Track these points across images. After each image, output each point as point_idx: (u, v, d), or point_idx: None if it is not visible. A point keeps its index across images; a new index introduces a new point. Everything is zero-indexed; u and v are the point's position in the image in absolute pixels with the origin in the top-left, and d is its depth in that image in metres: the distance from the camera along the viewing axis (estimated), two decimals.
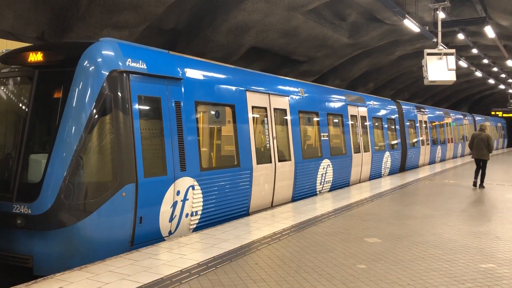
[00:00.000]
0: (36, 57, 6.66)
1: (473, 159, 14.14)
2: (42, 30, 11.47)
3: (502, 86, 41.61)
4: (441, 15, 12.40)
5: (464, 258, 6.35)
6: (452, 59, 10.62)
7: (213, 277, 5.50)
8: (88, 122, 6.30)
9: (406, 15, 14.56)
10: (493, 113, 42.95)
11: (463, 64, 25.64)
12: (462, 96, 47.82)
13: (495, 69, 28.77)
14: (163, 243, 6.88)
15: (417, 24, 15.81)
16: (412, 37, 20.99)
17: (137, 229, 6.73)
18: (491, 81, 35.64)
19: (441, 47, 10.88)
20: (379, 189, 13.14)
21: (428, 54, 10.76)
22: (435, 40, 18.91)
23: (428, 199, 11.62)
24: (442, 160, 24.62)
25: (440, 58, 10.61)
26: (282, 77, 11.72)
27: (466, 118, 30.24)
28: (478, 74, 30.71)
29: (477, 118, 34.96)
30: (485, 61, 25.23)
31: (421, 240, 7.35)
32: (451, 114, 26.85)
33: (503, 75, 32.71)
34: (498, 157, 29.87)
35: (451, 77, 10.54)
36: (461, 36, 18.23)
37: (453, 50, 10.98)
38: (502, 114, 43.13)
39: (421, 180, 15.64)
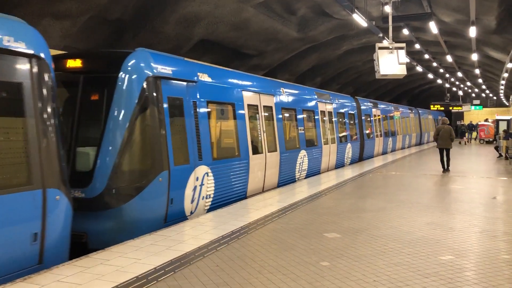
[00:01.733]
0: (81, 64, 7.81)
1: (436, 149, 16.27)
2: None
3: (439, 81, 43.54)
4: (391, 10, 12.57)
5: (424, 250, 6.40)
6: (402, 53, 10.79)
7: (226, 252, 5.68)
8: (130, 119, 7.47)
9: (355, 10, 14.70)
10: (432, 106, 44.86)
11: (406, 58, 26.38)
12: (403, 90, 49.65)
13: (434, 64, 29.97)
14: (187, 221, 8.08)
15: (365, 19, 16.03)
16: (359, 32, 21.34)
17: (169, 209, 8.04)
18: (430, 75, 37.16)
19: (388, 41, 11.01)
20: (336, 180, 13.94)
21: (380, 48, 10.87)
22: (381, 35, 19.34)
23: (380, 191, 11.80)
24: (393, 150, 26.60)
25: (391, 52, 10.75)
26: (269, 78, 13.46)
27: (412, 112, 32.54)
28: (419, 69, 31.87)
29: (421, 112, 37.04)
30: (426, 56, 26.18)
31: (380, 234, 7.36)
32: (399, 109, 28.83)
33: (441, 70, 34.18)
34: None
35: (402, 70, 10.71)
36: (405, 32, 18.73)
37: (404, 44, 11.17)
38: (452, 108, 45.03)
39: (372, 171, 15.97)
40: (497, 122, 45.65)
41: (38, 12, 10.72)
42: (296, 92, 14.35)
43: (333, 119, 17.04)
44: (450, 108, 46.12)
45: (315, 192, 11.33)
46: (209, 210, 9.23)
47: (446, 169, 16.26)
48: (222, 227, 7.70)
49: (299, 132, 13.90)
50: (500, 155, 24.24)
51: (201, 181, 8.85)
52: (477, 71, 28.29)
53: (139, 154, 7.62)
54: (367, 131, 21.32)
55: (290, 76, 23.53)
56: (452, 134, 16.07)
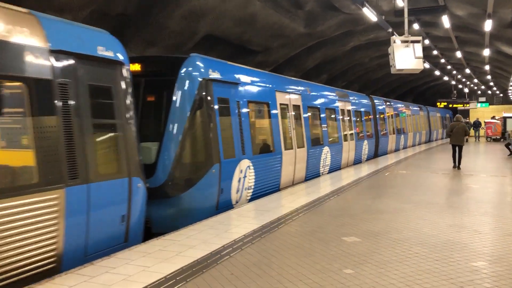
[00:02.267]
0: (141, 68, 8.61)
1: (445, 147, 17.18)
2: None
3: (446, 78, 42.96)
4: (404, 3, 12.09)
5: (453, 256, 5.95)
6: (419, 47, 10.31)
7: (240, 258, 5.22)
8: (187, 118, 8.33)
9: (365, 3, 14.22)
10: (438, 104, 44.30)
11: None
12: (408, 87, 49.07)
13: (442, 60, 29.43)
14: (233, 210, 8.86)
15: (375, 13, 15.54)
16: (367, 27, 20.84)
17: (220, 198, 8.91)
18: (437, 72, 36.63)
19: (407, 35, 10.55)
20: (355, 175, 14.32)
21: (395, 41, 10.39)
22: (390, 30, 18.82)
23: (394, 191, 11.35)
24: (404, 147, 27.31)
25: (407, 46, 10.27)
26: (295, 79, 14.49)
27: (421, 110, 33.36)
28: (426, 65, 31.32)
29: (429, 109, 37.82)
30: (435, 52, 25.65)
31: (401, 237, 6.91)
32: (410, 107, 29.66)
33: (448, 67, 33.62)
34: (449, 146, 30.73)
35: (418, 65, 10.23)
36: (416, 26, 18.22)
37: (420, 38, 10.68)
38: (453, 106, 44.56)
39: (385, 169, 15.54)
40: (504, 119, 45.16)
41: (37, 6, 10.27)
42: (320, 91, 15.28)
43: (352, 117, 17.88)
44: (455, 105, 45.61)
45: (336, 189, 11.37)
46: (249, 201, 10.15)
47: (457, 167, 16.37)
48: (234, 230, 7.26)
49: (323, 129, 14.74)
50: (511, 153, 23.80)
51: (244, 174, 9.77)
52: (486, 67, 27.74)
53: (196, 148, 8.52)
54: (381, 129, 22.07)
55: (296, 73, 23.06)
56: (466, 131, 16.34)
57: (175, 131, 8.23)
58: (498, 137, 42.65)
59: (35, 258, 5.18)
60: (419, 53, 10.00)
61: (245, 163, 9.68)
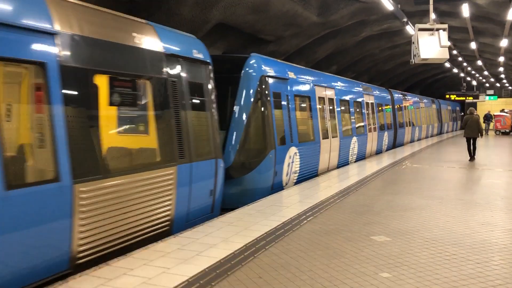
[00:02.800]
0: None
1: (457, 139, 18.10)
2: None
3: (455, 70, 42.26)
4: None
5: (494, 258, 5.53)
6: (444, 35, 9.80)
7: (265, 259, 4.74)
8: (250, 109, 9.50)
9: None
10: (447, 96, 43.63)
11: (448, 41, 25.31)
12: (417, 80, 48.39)
13: (454, 51, 28.79)
14: (284, 191, 10.01)
15: (391, 1, 15.02)
16: (381, 17, 20.25)
17: (275, 179, 10.09)
18: (447, 64, 35.97)
19: (432, 23, 10.02)
20: (377, 165, 14.99)
21: (420, 29, 9.88)
22: (405, 19, 18.29)
23: (415, 186, 10.92)
24: (419, 139, 28.73)
25: (432, 34, 9.76)
26: (330, 74, 15.91)
27: (434, 103, 35.14)
28: None
29: (441, 102, 39.36)
30: (448, 43, 24.96)
31: (433, 237, 6.49)
32: (423, 100, 31.15)
33: (460, 58, 32.96)
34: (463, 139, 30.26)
35: (444, 54, 9.73)
36: (433, 16, 17.62)
37: (446, 25, 10.17)
38: (466, 99, 44.12)
39: (402, 161, 15.13)
40: None
41: None
42: (348, 85, 16.52)
43: (375, 110, 19.15)
44: (463, 98, 44.94)
45: (356, 181, 11.31)
46: (295, 183, 11.31)
47: (472, 157, 16.59)
48: (254, 227, 6.86)
49: (352, 121, 15.93)
50: None
51: (292, 159, 10.90)
52: (501, 58, 27.08)
53: (257, 135, 9.75)
54: (400, 121, 23.37)
55: (306, 64, 22.53)
56: (479, 124, 16.63)
57: (239, 121, 9.46)
58: (507, 130, 42.05)
59: (159, 220, 6.47)
60: (445, 41, 9.50)
61: (293, 150, 10.91)
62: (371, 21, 20.79)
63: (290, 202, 8.17)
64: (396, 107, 22.68)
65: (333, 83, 14.72)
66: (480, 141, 27.95)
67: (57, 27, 5.04)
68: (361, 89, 17.92)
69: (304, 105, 12.32)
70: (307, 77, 12.64)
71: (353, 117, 16.07)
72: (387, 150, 21.27)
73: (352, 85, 16.98)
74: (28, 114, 5.10)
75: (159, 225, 6.49)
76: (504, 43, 19.43)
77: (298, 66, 12.83)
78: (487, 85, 58.59)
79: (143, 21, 6.74)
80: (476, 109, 51.23)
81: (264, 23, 16.01)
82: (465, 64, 37.45)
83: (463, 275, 4.97)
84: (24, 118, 5.04)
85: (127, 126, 7.28)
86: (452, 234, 6.66)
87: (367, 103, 18.20)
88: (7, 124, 4.69)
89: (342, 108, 15.13)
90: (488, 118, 37.52)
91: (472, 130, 16.54)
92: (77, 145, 5.08)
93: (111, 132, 6.61)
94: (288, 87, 11.10)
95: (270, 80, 10.18)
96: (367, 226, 7.09)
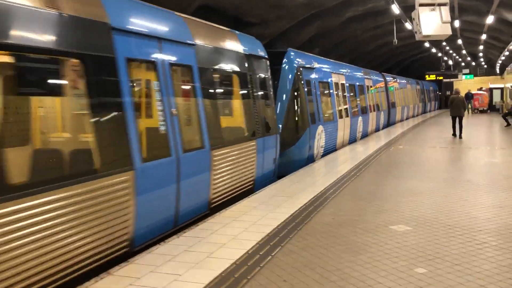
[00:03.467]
0: None
1: (450, 116, 18.44)
2: None
3: (434, 50, 42.29)
4: None
5: None
6: (446, 10, 9.34)
7: (284, 259, 4.11)
8: (290, 95, 11.30)
9: None
10: (427, 76, 43.71)
11: (409, 26, 25.08)
12: (396, 60, 48.34)
13: None
14: (315, 162, 11.83)
15: None
16: None
17: (309, 152, 11.98)
18: (427, 44, 35.89)
19: None
20: (376, 145, 16.02)
21: (421, 5, 9.40)
22: None
23: (415, 169, 10.57)
24: (407, 118, 31.19)
25: (433, 10, 9.29)
26: (340, 62, 18.48)
27: (418, 85, 37.58)
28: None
29: (424, 84, 41.73)
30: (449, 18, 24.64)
31: (454, 223, 6.10)
32: (410, 82, 33.67)
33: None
34: (445, 119, 30.27)
35: (446, 30, 9.29)
36: None
37: (447, 0, 9.72)
38: (443, 79, 44.67)
39: (396, 142, 14.84)
40: (491, 90, 44.87)
41: None
42: (354, 71, 18.72)
43: (373, 92, 21.14)
44: (444, 78, 45.16)
45: (355, 165, 10.62)
46: (321, 156, 13.18)
47: (459, 136, 17.54)
48: (261, 222, 6.34)
49: (357, 102, 18.02)
50: (509, 124, 23.40)
51: (320, 136, 12.82)
52: (483, 36, 26.96)
53: (296, 116, 11.53)
54: (392, 102, 25.68)
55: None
56: (464, 103, 17.94)
57: (283, 104, 11.25)
58: (485, 108, 42.43)
59: (249, 178, 8.55)
60: (447, 17, 9.05)
61: (320, 128, 12.83)
62: (355, 1, 20.31)
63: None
64: (388, 89, 24.77)
65: (342, 70, 16.77)
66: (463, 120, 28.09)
67: (195, 40, 7.18)
68: (362, 74, 19.90)
69: (325, 89, 14.20)
70: (326, 66, 14.79)
71: (358, 99, 18.12)
72: (383, 128, 23.43)
73: (356, 71, 19.14)
74: (192, 103, 7.07)
75: (249, 183, 8.61)
76: (490, 19, 19.18)
77: (319, 57, 15.04)
78: (463, 64, 59.04)
79: (229, 29, 8.97)
80: (453, 88, 51.93)
81: (250, 5, 15.35)
82: (444, 43, 37.44)
83: (503, 266, 4.56)
84: (190, 105, 7.11)
85: (228, 110, 9.03)
86: (473, 219, 6.28)
87: (368, 87, 20.07)
88: (184, 111, 6.96)
89: (350, 91, 17.17)
90: (469, 97, 37.69)
91: (458, 109, 17.43)
92: (211, 125, 7.23)
93: (224, 115, 8.46)
94: (315, 75, 13.14)
95: (303, 70, 12.12)
96: (381, 214, 6.65)
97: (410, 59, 52.37)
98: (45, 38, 4.35)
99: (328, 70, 14.71)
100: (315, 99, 12.66)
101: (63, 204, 4.27)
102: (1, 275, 3.67)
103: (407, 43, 36.93)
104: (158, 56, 6.16)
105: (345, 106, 15.95)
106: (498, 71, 52.86)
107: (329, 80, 14.51)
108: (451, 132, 18.35)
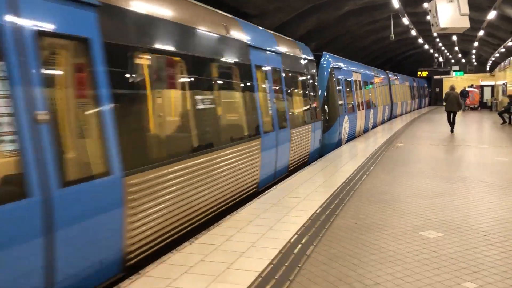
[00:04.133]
0: None
1: (444, 112, 19.45)
2: None
3: (426, 46, 42.08)
4: None
5: None
6: (465, 2, 8.89)
7: (315, 271, 3.56)
8: (326, 90, 13.81)
9: None
10: (419, 73, 43.53)
11: (405, 21, 24.70)
12: (389, 56, 48.10)
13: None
14: (343, 146, 14.36)
15: None
16: None
17: (338, 137, 14.39)
18: (420, 40, 35.60)
19: None
20: (386, 135, 17.02)
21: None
22: None
23: (424, 168, 10.16)
24: (406, 113, 34.22)
25: (451, 1, 8.84)
26: (357, 62, 21.18)
27: (415, 82, 40.69)
28: (413, 33, 30.21)
29: (420, 81, 44.54)
30: (428, 17, 24.36)
31: (488, 229, 5.67)
32: (408, 79, 36.84)
33: (435, 34, 32.51)
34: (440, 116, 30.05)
35: (464, 23, 8.84)
36: None
37: None
38: (438, 76, 45.03)
39: (397, 138, 14.50)
40: (481, 88, 44.90)
41: None
42: (367, 70, 21.50)
43: (380, 88, 23.85)
44: (438, 75, 45.04)
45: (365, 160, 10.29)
46: (346, 142, 15.46)
47: (450, 130, 18.20)
48: (278, 226, 5.84)
49: (369, 97, 20.59)
50: (504, 122, 23.21)
51: (346, 124, 15.17)
52: (481, 33, 26.72)
53: (330, 107, 13.82)
54: (393, 97, 28.24)
55: None
56: (459, 99, 18.52)
57: (321, 96, 13.58)
58: (476, 105, 42.45)
59: (305, 153, 11.10)
60: (465, 9, 8.61)
61: (346, 118, 15.20)
62: None
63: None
64: (391, 85, 27.46)
65: (359, 69, 19.32)
66: (458, 117, 27.97)
67: (281, 49, 9.79)
68: (372, 72, 22.60)
69: (348, 86, 16.39)
70: (348, 66, 17.17)
71: (370, 94, 20.83)
72: (388, 120, 26.37)
73: (368, 70, 21.94)
74: (282, 96, 9.77)
75: (306, 156, 11.19)
76: (491, 15, 18.87)
77: (342, 58, 17.38)
78: (453, 61, 59.06)
79: (295, 41, 11.80)
80: (442, 85, 51.80)
81: None
82: (437, 39, 37.20)
83: None
84: (286, 97, 9.95)
85: (298, 101, 11.11)
86: (506, 224, 5.86)
87: (376, 83, 22.78)
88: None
89: (365, 88, 19.74)
90: (464, 94, 37.59)
91: (452, 105, 18.10)
92: (290, 111, 10.01)
93: (292, 105, 10.51)
94: (341, 74, 15.37)
95: (334, 70, 14.47)
96: (404, 218, 6.20)
97: (402, 55, 52.19)
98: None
99: (349, 69, 17.03)
100: (342, 93, 15.07)
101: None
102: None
103: (400, 39, 36.62)
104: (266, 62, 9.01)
105: (361, 100, 18.39)
106: (488, 68, 52.94)
107: (350, 78, 16.85)
108: (449, 128, 18.66)
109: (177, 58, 5.76)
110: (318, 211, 6.55)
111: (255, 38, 8.45)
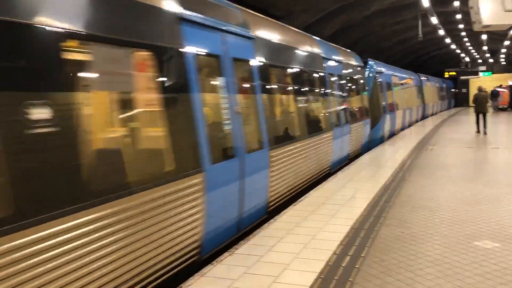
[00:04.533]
0: None
1: (465, 114, 21.59)
2: None
3: (453, 46, 41.15)
4: None
5: None
6: None
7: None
8: (372, 91, 15.82)
9: None
10: (446, 74, 42.61)
11: (434, 20, 24.13)
12: (412, 57, 47.26)
13: (461, 25, 27.53)
14: (389, 140, 16.40)
15: None
16: None
17: (382, 134, 16.40)
18: (448, 40, 34.82)
19: None
20: (416, 139, 17.20)
21: None
22: None
23: (462, 172, 9.70)
24: (436, 113, 35.80)
25: None
26: (394, 66, 22.57)
27: (444, 83, 41.95)
28: (441, 32, 29.53)
29: (448, 83, 45.54)
30: (458, 16, 23.78)
31: None
32: (437, 81, 38.06)
33: (463, 33, 31.79)
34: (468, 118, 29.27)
35: (509, 20, 8.38)
36: None
37: None
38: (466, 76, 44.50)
39: (431, 140, 14.07)
40: (511, 88, 43.60)
41: None
42: (403, 73, 23.12)
43: (414, 90, 25.31)
44: (467, 76, 44.04)
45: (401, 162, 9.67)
46: (388, 137, 17.37)
47: (483, 132, 17.92)
48: (320, 236, 5.55)
49: (405, 98, 22.09)
50: None
51: (387, 122, 16.96)
52: None
53: (376, 107, 15.76)
54: (426, 99, 29.69)
55: None
56: (488, 100, 18.82)
57: (367, 97, 14.85)
58: (505, 106, 41.24)
59: (359, 148, 13.30)
60: (510, 5, 8.15)
61: (388, 117, 17.00)
62: None
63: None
64: (423, 87, 29.11)
65: (397, 72, 21.00)
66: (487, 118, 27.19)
67: (341, 59, 11.85)
68: (407, 75, 24.22)
69: (389, 88, 18.05)
70: (388, 70, 18.85)
71: (406, 96, 22.59)
72: (421, 120, 28.00)
73: (404, 73, 23.81)
74: (344, 97, 11.90)
75: (359, 148, 12.99)
76: None
77: (384, 63, 19.46)
78: (480, 60, 57.66)
79: (349, 50, 13.60)
80: (468, 86, 50.52)
81: None
82: (465, 39, 36.32)
83: None
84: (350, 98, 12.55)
85: (355, 102, 13.04)
86: None
87: (411, 86, 24.47)
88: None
89: (402, 89, 21.46)
90: (494, 95, 36.54)
91: (482, 106, 17.91)
92: (349, 109, 12.09)
93: (348, 105, 12.29)
94: (383, 78, 17.17)
95: (378, 75, 16.32)
96: (454, 227, 5.83)
97: (427, 56, 51.22)
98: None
99: (389, 73, 18.80)
100: (383, 95, 16.73)
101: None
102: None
103: (426, 39, 35.87)
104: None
105: (399, 101, 20.16)
106: None
107: (390, 81, 18.56)
108: (477, 130, 18.44)
109: (296, 70, 8.55)
110: (360, 219, 6.24)
111: (325, 51, 10.78)
